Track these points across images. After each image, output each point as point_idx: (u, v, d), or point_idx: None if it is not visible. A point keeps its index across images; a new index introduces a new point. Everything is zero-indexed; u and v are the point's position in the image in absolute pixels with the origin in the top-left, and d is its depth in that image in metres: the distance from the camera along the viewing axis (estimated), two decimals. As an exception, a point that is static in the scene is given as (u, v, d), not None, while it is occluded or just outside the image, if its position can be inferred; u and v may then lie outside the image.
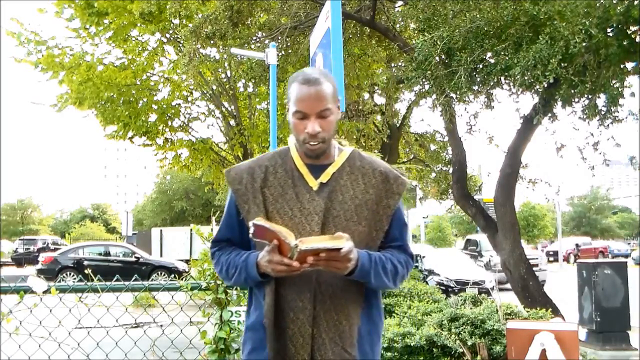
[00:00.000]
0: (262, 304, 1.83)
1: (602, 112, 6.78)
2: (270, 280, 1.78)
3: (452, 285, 12.89)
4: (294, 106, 1.80)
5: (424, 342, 4.27)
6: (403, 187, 1.90)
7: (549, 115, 7.48)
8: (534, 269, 9.23)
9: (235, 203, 1.90)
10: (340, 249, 1.63)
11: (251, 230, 1.67)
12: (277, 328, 1.78)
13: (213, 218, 3.03)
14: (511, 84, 7.10)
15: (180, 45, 13.71)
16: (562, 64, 6.17)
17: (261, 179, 1.86)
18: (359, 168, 1.89)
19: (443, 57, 6.99)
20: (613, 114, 6.75)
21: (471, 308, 4.87)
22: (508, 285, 9.61)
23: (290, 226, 1.77)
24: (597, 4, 6.20)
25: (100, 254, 19.25)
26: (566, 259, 35.19)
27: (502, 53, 6.69)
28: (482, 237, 19.90)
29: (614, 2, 6.27)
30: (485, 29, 6.67)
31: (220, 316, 2.86)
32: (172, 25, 14.25)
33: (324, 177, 1.85)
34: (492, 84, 7.09)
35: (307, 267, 1.66)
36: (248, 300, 1.93)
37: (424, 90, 7.82)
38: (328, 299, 1.77)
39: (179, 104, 16.46)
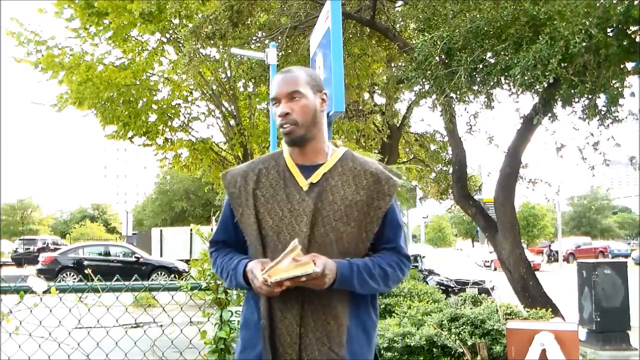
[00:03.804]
0: (251, 303, 1.87)
1: (602, 112, 6.78)
2: None
3: (452, 285, 12.88)
4: (271, 96, 1.89)
5: (424, 342, 4.27)
6: (394, 189, 1.88)
7: (549, 115, 7.47)
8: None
9: (230, 206, 1.94)
10: (310, 274, 1.63)
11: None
12: (268, 327, 1.79)
13: (213, 218, 3.03)
14: (511, 84, 7.10)
15: (180, 45, 13.71)
16: (562, 64, 6.17)
17: (253, 181, 1.89)
18: (351, 169, 1.88)
19: (443, 57, 7.00)
20: (613, 114, 6.75)
21: (471, 308, 4.87)
22: None
23: (280, 227, 1.79)
24: (597, 4, 6.20)
25: (100, 254, 19.24)
26: (566, 259, 35.22)
27: (502, 53, 6.69)
28: None
29: (614, 2, 6.26)
30: (485, 29, 6.67)
31: (220, 316, 2.86)
32: (172, 25, 14.24)
33: (315, 177, 1.85)
34: (492, 84, 7.08)
35: (285, 288, 1.69)
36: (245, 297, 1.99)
37: (424, 90, 7.82)
38: (316, 298, 1.77)
39: (179, 104, 16.45)
